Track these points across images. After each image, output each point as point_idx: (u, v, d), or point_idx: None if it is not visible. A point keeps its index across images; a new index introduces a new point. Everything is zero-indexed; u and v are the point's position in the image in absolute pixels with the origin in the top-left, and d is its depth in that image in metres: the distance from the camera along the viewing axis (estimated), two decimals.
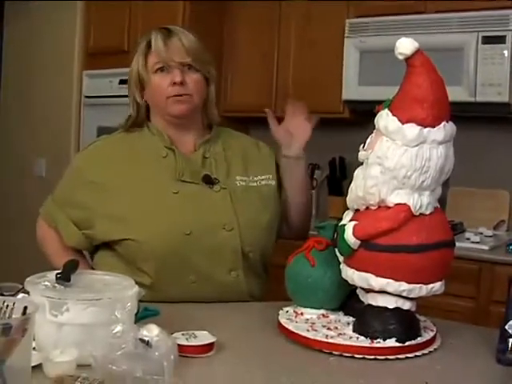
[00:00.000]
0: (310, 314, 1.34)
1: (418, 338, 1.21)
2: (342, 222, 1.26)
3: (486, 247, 2.70)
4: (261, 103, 3.59)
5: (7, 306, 0.95)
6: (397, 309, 1.22)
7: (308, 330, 1.24)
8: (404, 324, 1.20)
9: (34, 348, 0.99)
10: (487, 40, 2.81)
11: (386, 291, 1.21)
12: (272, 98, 3.56)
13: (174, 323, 1.21)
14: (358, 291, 1.31)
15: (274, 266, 1.65)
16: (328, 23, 3.34)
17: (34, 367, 0.96)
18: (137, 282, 1.17)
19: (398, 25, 3.04)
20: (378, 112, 1.24)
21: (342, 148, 3.44)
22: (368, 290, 1.25)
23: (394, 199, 1.19)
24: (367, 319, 1.22)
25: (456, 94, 2.69)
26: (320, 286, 1.32)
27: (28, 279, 1.12)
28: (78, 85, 3.90)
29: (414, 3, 3.05)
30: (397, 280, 1.19)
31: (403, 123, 1.17)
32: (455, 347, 1.26)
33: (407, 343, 1.19)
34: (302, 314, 1.34)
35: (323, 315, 1.33)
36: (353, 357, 1.16)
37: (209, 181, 1.59)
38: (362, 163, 1.26)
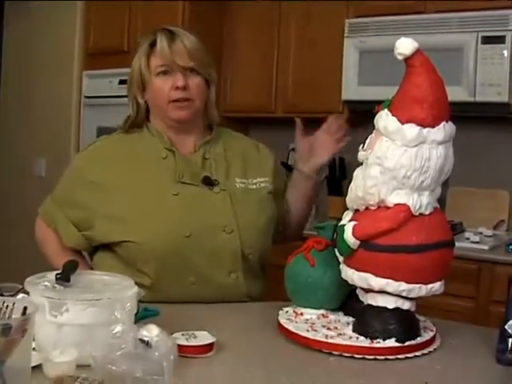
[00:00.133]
0: (310, 314, 1.34)
1: (418, 338, 1.21)
2: (342, 222, 1.26)
3: (485, 247, 2.70)
4: (260, 103, 3.60)
5: (7, 306, 0.95)
6: (396, 309, 1.22)
7: (308, 330, 1.24)
8: (404, 324, 1.20)
9: (33, 348, 0.99)
10: (487, 40, 2.81)
11: (386, 291, 1.21)
12: (272, 98, 3.56)
13: (174, 323, 1.21)
14: (357, 291, 1.31)
15: (274, 266, 1.65)
16: (328, 23, 3.34)
17: (33, 367, 0.96)
18: (136, 283, 1.17)
19: (397, 25, 3.04)
20: (377, 112, 1.24)
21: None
22: (368, 290, 1.25)
23: (393, 199, 1.19)
24: (367, 319, 1.22)
25: (456, 94, 2.69)
26: (320, 286, 1.33)
27: (28, 279, 1.12)
28: (77, 85, 3.90)
29: (413, 3, 3.05)
30: (396, 280, 1.19)
31: (403, 123, 1.17)
32: (455, 347, 1.26)
33: (407, 343, 1.19)
34: (301, 314, 1.34)
35: (323, 315, 1.34)
36: (352, 357, 1.16)
37: (209, 182, 1.59)
38: (361, 163, 1.26)
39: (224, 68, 3.69)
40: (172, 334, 1.12)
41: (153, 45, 1.59)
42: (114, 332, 1.00)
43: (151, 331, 1.01)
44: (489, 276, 2.61)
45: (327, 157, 1.73)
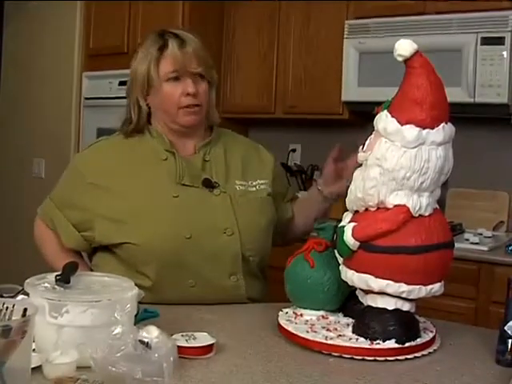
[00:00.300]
0: (310, 315, 1.34)
1: (418, 339, 1.21)
2: (342, 224, 1.26)
3: (485, 248, 2.70)
4: (260, 104, 3.60)
5: (7, 307, 0.95)
6: (396, 310, 1.22)
7: (307, 332, 1.24)
8: (403, 325, 1.20)
9: (33, 350, 0.99)
10: (486, 41, 2.81)
11: (386, 292, 1.21)
12: (272, 99, 3.56)
13: (174, 325, 1.22)
14: (357, 292, 1.31)
15: (274, 267, 1.65)
16: (328, 24, 3.34)
17: (33, 369, 0.96)
18: (136, 284, 1.17)
19: (397, 26, 3.04)
20: (377, 113, 1.24)
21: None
22: (367, 292, 1.25)
23: (393, 200, 1.19)
24: (367, 320, 1.22)
25: (455, 94, 2.70)
26: (319, 287, 1.33)
27: (28, 281, 1.12)
28: (77, 86, 3.90)
29: (413, 4, 3.05)
30: (396, 281, 1.19)
31: (402, 124, 1.17)
32: (455, 348, 1.27)
33: (407, 344, 1.19)
34: (301, 315, 1.34)
35: (323, 316, 1.34)
36: (352, 358, 1.16)
37: (209, 184, 1.59)
38: (361, 164, 1.26)
39: (224, 68, 3.69)
40: (172, 335, 1.12)
41: (162, 49, 1.57)
42: (114, 333, 1.00)
43: (151, 332, 1.01)
44: (488, 277, 2.61)
45: None
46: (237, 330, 1.35)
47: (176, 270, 1.52)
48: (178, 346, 1.06)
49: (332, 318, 1.33)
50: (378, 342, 1.18)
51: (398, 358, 1.17)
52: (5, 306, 0.95)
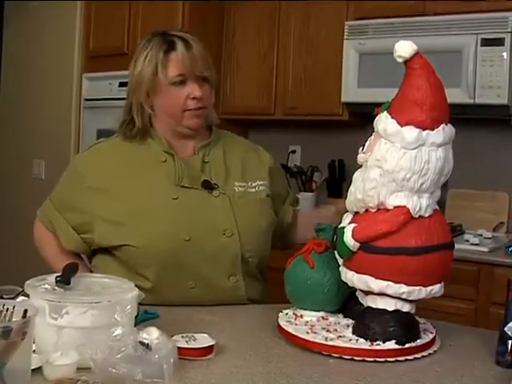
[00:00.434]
0: (310, 316, 1.34)
1: (418, 340, 1.21)
2: (342, 225, 1.26)
3: (485, 249, 2.70)
4: (260, 106, 3.60)
5: (7, 309, 0.95)
6: (396, 311, 1.22)
7: (307, 333, 1.24)
8: (403, 326, 1.20)
9: (33, 351, 0.99)
10: (486, 42, 2.81)
11: (386, 293, 1.21)
12: (272, 101, 3.55)
13: (174, 326, 1.22)
14: (357, 293, 1.31)
15: (274, 268, 1.65)
16: (328, 24, 3.34)
17: (33, 370, 0.96)
18: (136, 286, 1.17)
19: (397, 27, 3.04)
20: (377, 115, 1.24)
21: (342, 150, 3.45)
22: (367, 293, 1.25)
23: (393, 202, 1.19)
24: (367, 321, 1.22)
25: (455, 96, 2.70)
26: (319, 288, 1.33)
27: (28, 282, 1.12)
28: (77, 87, 3.90)
29: (413, 5, 3.05)
30: (396, 282, 1.19)
31: (402, 126, 1.17)
32: (455, 349, 1.27)
33: (407, 345, 1.19)
34: (301, 316, 1.34)
35: (323, 317, 1.34)
36: (352, 359, 1.16)
37: (208, 186, 1.58)
38: (361, 166, 1.26)
39: (224, 68, 3.68)
40: (172, 336, 1.12)
41: (168, 52, 1.56)
42: (114, 335, 1.00)
43: (151, 334, 1.01)
44: (488, 278, 2.61)
45: None
46: (237, 331, 1.35)
47: (176, 272, 1.52)
48: (178, 348, 1.06)
49: (332, 319, 1.33)
50: (378, 342, 1.18)
51: (398, 359, 1.17)
52: (5, 307, 0.95)
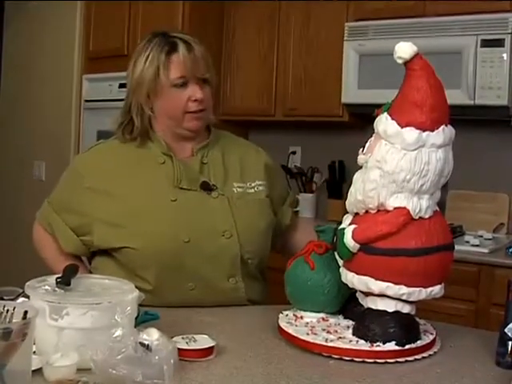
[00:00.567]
0: (310, 317, 1.34)
1: (418, 342, 1.21)
2: (342, 226, 1.26)
3: (485, 250, 2.70)
4: (260, 107, 3.60)
5: (7, 310, 0.95)
6: (396, 312, 1.22)
7: (308, 334, 1.24)
8: (404, 327, 1.20)
9: (34, 352, 0.99)
10: (486, 43, 2.81)
11: (386, 295, 1.21)
12: (272, 102, 3.55)
13: (174, 327, 1.22)
14: (357, 295, 1.31)
15: (274, 269, 1.65)
16: (328, 25, 3.34)
17: (34, 371, 0.96)
18: (136, 287, 1.17)
19: (397, 28, 3.04)
20: (377, 116, 1.24)
21: (342, 151, 3.45)
22: (368, 294, 1.25)
23: (393, 203, 1.19)
24: (367, 323, 1.22)
25: (455, 97, 2.70)
26: (320, 289, 1.33)
27: (28, 283, 1.12)
28: (77, 89, 3.90)
29: (413, 6, 3.06)
30: (396, 283, 1.19)
31: (402, 127, 1.17)
32: (455, 350, 1.27)
33: (407, 346, 1.19)
34: (301, 317, 1.34)
35: (323, 319, 1.34)
36: (352, 360, 1.16)
37: (207, 187, 1.58)
38: (361, 167, 1.26)
39: (224, 69, 3.68)
40: (172, 337, 1.12)
41: (170, 54, 1.55)
42: (114, 336, 1.00)
43: (151, 335, 1.01)
44: (489, 279, 2.61)
45: None
46: (237, 333, 1.35)
47: (175, 274, 1.52)
48: (179, 349, 1.06)
49: (332, 320, 1.33)
50: (378, 344, 1.18)
51: (399, 360, 1.17)
52: (5, 308, 0.95)
